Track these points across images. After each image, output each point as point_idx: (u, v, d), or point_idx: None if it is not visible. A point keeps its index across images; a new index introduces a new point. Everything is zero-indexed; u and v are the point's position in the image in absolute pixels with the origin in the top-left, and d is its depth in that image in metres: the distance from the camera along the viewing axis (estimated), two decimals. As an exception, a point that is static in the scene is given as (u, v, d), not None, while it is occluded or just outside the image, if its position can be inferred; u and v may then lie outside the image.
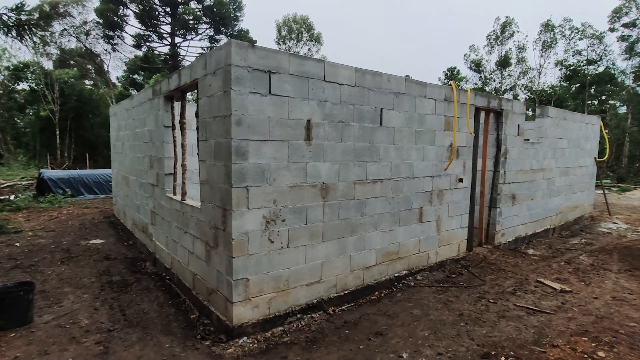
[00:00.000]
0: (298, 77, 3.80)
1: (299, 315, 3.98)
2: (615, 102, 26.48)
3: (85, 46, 31.01)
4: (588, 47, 25.47)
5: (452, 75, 34.46)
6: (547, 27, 26.88)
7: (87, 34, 30.10)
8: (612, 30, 24.54)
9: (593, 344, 3.43)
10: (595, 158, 10.23)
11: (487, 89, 31.62)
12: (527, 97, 29.73)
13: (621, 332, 3.72)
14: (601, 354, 3.25)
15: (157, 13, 29.92)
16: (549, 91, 27.87)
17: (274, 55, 3.60)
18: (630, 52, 24.13)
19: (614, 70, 25.14)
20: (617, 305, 4.46)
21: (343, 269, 4.43)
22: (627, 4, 23.43)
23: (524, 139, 7.56)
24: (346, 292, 4.46)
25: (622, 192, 16.75)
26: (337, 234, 4.32)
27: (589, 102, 29.03)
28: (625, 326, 3.89)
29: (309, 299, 4.11)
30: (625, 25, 23.97)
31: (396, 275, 5.06)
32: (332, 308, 4.23)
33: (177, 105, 5.18)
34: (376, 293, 4.75)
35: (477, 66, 30.59)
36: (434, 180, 5.45)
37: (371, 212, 4.66)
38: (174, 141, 5.17)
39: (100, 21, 27.48)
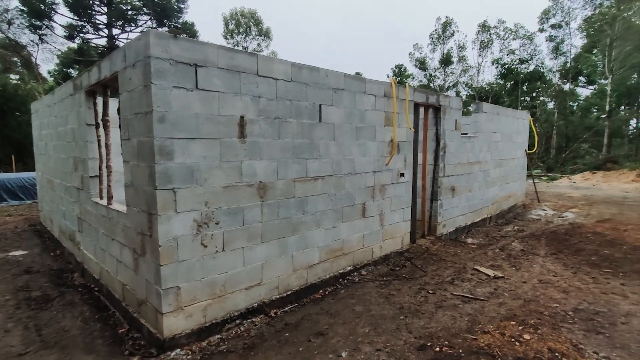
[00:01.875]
0: (229, 71, 3.60)
1: (238, 321, 3.82)
2: (544, 99, 28.82)
3: (7, 37, 27.98)
4: (520, 46, 27.50)
5: (399, 72, 35.54)
6: (484, 27, 28.58)
7: (10, 23, 27.19)
8: (541, 30, 26.65)
9: (520, 327, 3.63)
10: (525, 150, 11.01)
11: (432, 85, 33.01)
12: (468, 94, 31.48)
13: (545, 314, 3.97)
14: (527, 336, 3.44)
15: (91, 2, 27.71)
16: (487, 88, 29.69)
17: (201, 47, 3.38)
18: (556, 51, 26.38)
19: (543, 68, 27.36)
20: (542, 288, 4.79)
21: (285, 269, 4.32)
22: (554, 6, 25.54)
23: (462, 134, 7.91)
24: (289, 292, 4.36)
25: (550, 180, 18.27)
26: (277, 234, 4.19)
27: (522, 98, 31.34)
28: (549, 307, 4.17)
29: (249, 303, 3.95)
30: (553, 27, 26.14)
31: (341, 271, 5.05)
32: (274, 310, 4.11)
33: (101, 101, 4.74)
34: (321, 291, 4.70)
35: (421, 64, 31.79)
36: (376, 175, 5.50)
37: (313, 210, 4.59)
38: (99, 140, 4.74)
39: (25, 9, 24.89)
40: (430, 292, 4.59)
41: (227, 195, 3.66)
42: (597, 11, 23.23)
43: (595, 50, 26.49)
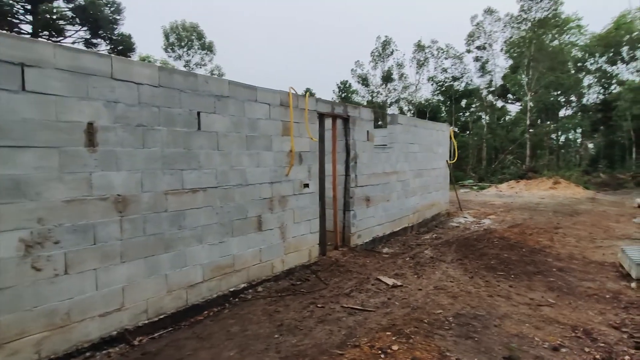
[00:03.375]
0: (72, 72, 3.25)
1: (88, 354, 3.36)
2: (480, 114, 30.81)
3: None
4: (452, 65, 29.41)
5: (345, 88, 36.43)
6: (419, 47, 30.27)
7: None
8: (468, 51, 28.75)
9: (393, 338, 3.53)
10: (447, 161, 11.47)
11: (375, 101, 34.12)
12: (409, 109, 32.92)
13: (425, 322, 3.93)
14: (395, 347, 3.33)
15: (14, 10, 25.72)
16: (425, 104, 31.24)
17: (30, 45, 3.01)
18: (482, 70, 28.52)
19: (472, 86, 29.40)
20: (434, 295, 4.79)
21: (156, 290, 3.93)
22: (477, 29, 27.70)
23: (381, 145, 8.05)
24: (163, 316, 3.96)
25: (480, 189, 19.31)
26: (144, 252, 3.81)
27: (459, 113, 33.34)
28: (432, 314, 4.14)
29: (106, 331, 3.51)
30: (478, 48, 28.30)
31: (232, 289, 4.73)
32: (140, 338, 3.69)
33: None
34: (206, 312, 4.34)
35: (363, 80, 32.85)
36: (273, 186, 5.30)
37: (193, 225, 4.27)
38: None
39: None
40: (319, 306, 4.40)
41: (70, 210, 3.25)
42: (514, 34, 25.51)
43: (519, 70, 28.97)
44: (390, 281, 5.31)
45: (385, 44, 31.55)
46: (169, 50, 30.63)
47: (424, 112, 30.98)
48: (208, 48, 31.16)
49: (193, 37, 30.51)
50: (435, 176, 10.65)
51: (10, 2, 25.02)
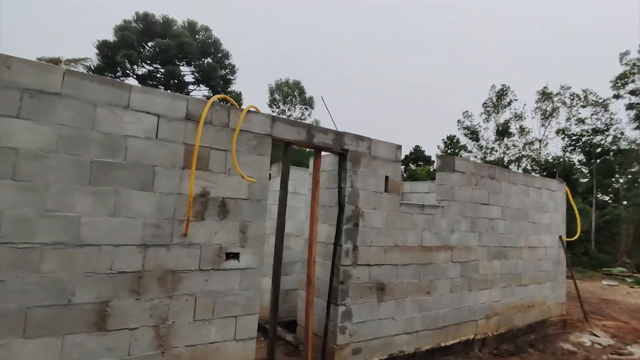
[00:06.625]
0: None
1: None
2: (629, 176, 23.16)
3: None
4: (592, 115, 23.08)
5: (451, 143, 32.60)
6: (544, 95, 24.97)
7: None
8: (617, 97, 22.24)
9: None
10: (560, 237, 7.41)
11: (489, 159, 29.12)
12: (532, 169, 26.98)
13: None
14: None
15: (155, 74, 31.17)
16: (553, 162, 25.10)
17: None
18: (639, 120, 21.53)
19: (624, 140, 22.36)
20: None
21: None
22: (631, 70, 21.37)
23: (431, 204, 5.18)
24: None
25: (636, 284, 13.07)
26: None
27: (605, 177, 25.81)
28: None
29: None
30: (632, 93, 21.67)
31: None
32: None
33: None
34: None
35: (472, 133, 28.54)
36: (149, 252, 3.08)
37: None
38: None
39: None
40: None
41: None
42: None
43: None
44: None
45: (501, 93, 27.23)
46: (273, 105, 32.41)
47: (553, 173, 24.80)
48: (308, 103, 31.95)
49: (295, 93, 31.79)
50: (536, 259, 6.79)
51: (151, 67, 30.34)
